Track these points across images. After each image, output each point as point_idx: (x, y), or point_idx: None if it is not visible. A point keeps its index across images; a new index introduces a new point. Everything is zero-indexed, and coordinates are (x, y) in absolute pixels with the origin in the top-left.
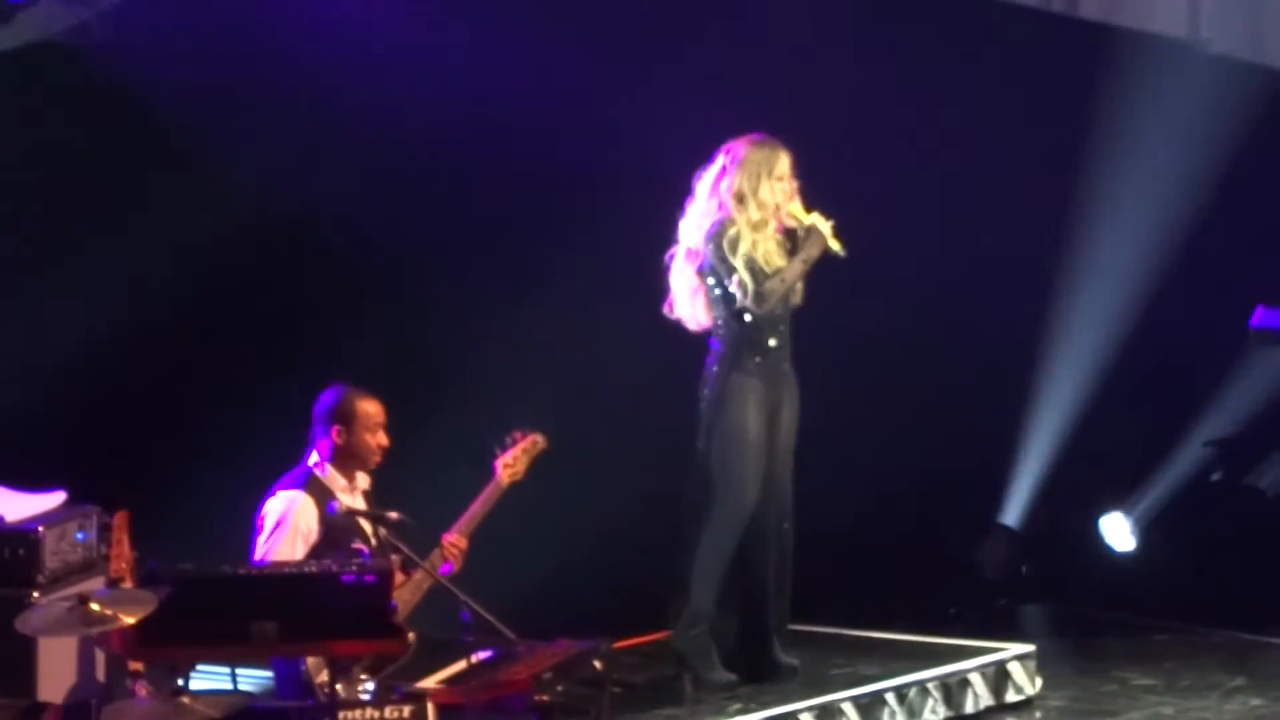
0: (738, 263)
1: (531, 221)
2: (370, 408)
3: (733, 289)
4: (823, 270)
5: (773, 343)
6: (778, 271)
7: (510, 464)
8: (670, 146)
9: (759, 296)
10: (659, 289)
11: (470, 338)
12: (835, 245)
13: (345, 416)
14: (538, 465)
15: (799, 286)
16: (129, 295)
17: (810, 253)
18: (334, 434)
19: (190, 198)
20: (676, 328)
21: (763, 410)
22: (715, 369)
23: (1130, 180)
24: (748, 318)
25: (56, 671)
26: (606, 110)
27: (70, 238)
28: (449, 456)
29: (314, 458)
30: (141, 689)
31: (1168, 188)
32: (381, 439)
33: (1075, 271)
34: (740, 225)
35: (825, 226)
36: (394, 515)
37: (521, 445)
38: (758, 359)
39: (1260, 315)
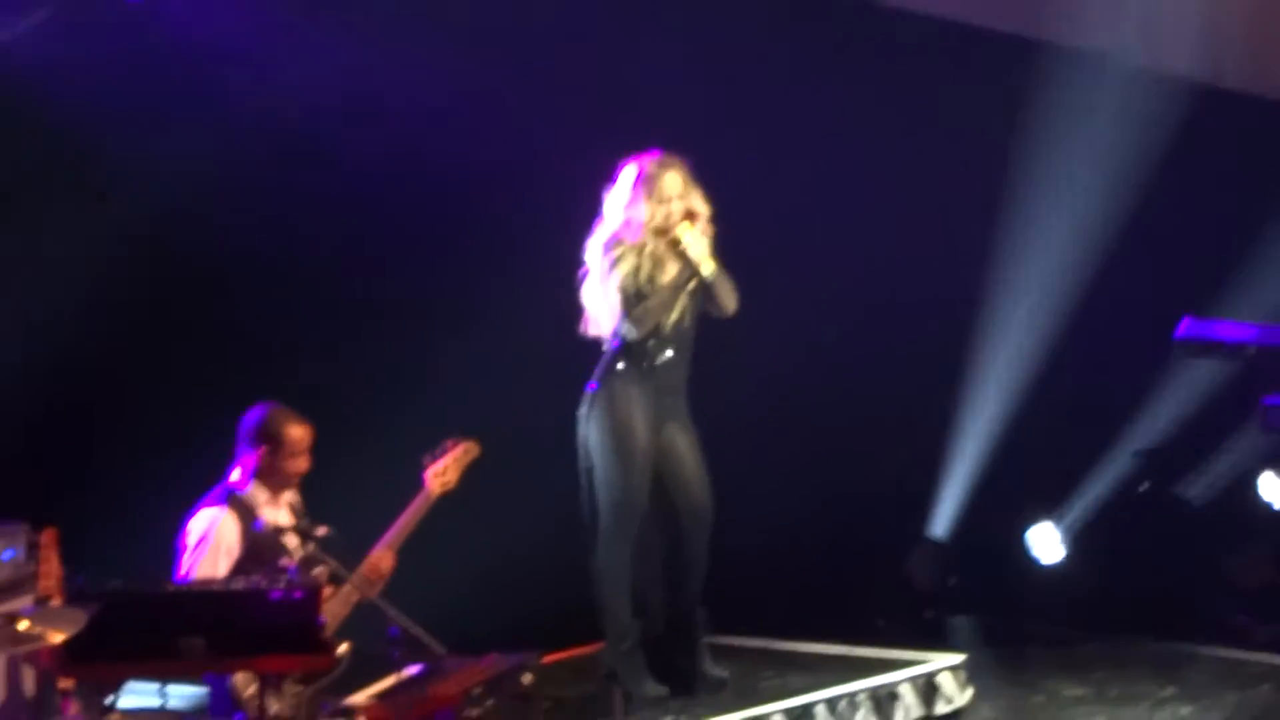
0: (610, 287)
1: (458, 236)
2: (298, 433)
3: (612, 310)
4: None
5: (660, 359)
6: (644, 299)
7: (441, 473)
8: (592, 164)
9: (629, 322)
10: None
11: (401, 350)
12: (705, 267)
13: (272, 438)
14: (468, 475)
15: (681, 304)
16: (51, 315)
17: (681, 278)
18: (259, 454)
19: (112, 215)
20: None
21: (648, 416)
22: (599, 373)
23: (1052, 192)
24: (629, 337)
25: None
26: (530, 127)
27: None
28: (380, 467)
29: (236, 474)
30: (71, 707)
31: (1090, 200)
32: (303, 464)
33: (1000, 283)
34: (624, 248)
35: (696, 247)
36: (321, 530)
37: (453, 454)
38: (645, 371)
39: (1186, 326)
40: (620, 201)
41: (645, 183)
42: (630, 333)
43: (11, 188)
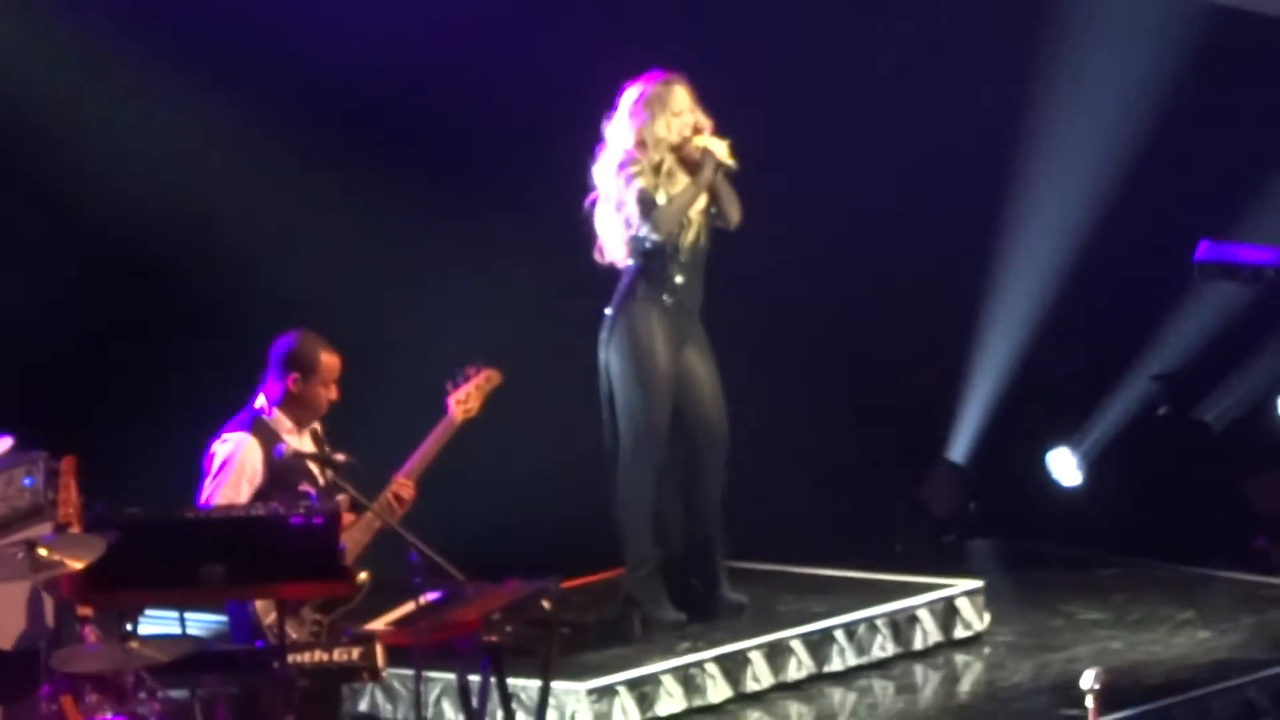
0: (629, 195)
1: (477, 161)
2: (331, 361)
3: (631, 219)
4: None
5: (679, 279)
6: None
7: (463, 400)
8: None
9: (652, 223)
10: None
11: (423, 277)
12: (728, 161)
13: (305, 365)
14: (490, 402)
15: (697, 223)
16: (72, 240)
17: (704, 176)
18: (289, 380)
19: (135, 137)
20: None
21: (668, 339)
22: (617, 298)
23: (1073, 115)
24: (649, 245)
25: (5, 618)
26: (545, 56)
27: (8, 182)
28: (400, 394)
29: (260, 400)
30: (91, 634)
31: (1110, 123)
32: (333, 393)
33: (1019, 207)
34: (642, 164)
35: (718, 146)
36: (341, 457)
37: (475, 381)
38: (664, 293)
39: (1204, 249)
40: (630, 123)
41: (656, 100)
42: (652, 233)
43: (39, 107)
